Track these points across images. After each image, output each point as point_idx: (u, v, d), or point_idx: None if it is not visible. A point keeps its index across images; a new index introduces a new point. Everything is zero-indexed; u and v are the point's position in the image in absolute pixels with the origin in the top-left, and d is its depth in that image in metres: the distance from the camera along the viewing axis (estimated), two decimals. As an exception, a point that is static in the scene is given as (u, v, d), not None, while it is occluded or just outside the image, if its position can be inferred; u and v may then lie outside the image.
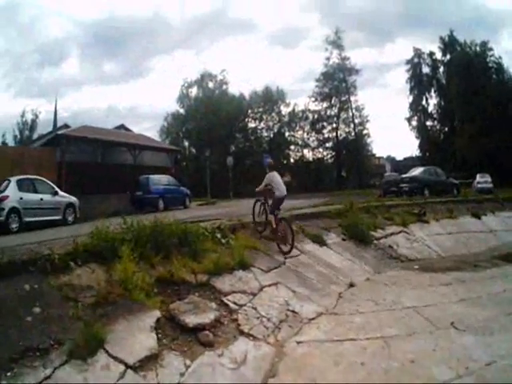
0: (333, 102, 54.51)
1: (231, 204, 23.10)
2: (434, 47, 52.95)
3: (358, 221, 11.77)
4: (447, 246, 13.12)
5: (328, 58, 53.89)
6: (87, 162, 22.43)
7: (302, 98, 74.69)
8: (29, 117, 53.76)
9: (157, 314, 5.29)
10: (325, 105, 54.73)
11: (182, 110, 55.11)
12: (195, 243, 7.25)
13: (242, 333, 5.49)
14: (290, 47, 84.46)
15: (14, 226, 13.17)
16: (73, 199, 15.93)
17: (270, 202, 9.43)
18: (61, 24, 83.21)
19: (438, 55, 52.53)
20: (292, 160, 56.82)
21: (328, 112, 54.88)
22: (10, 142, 50.74)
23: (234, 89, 69.26)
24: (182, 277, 6.31)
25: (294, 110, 55.18)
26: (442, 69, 52.82)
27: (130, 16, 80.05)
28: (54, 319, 4.55)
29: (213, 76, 55.23)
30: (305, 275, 8.09)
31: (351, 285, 8.34)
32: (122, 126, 34.55)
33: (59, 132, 23.95)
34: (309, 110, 55.07)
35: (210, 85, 55.22)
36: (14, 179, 14.18)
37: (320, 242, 10.26)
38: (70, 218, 15.35)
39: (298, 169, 53.15)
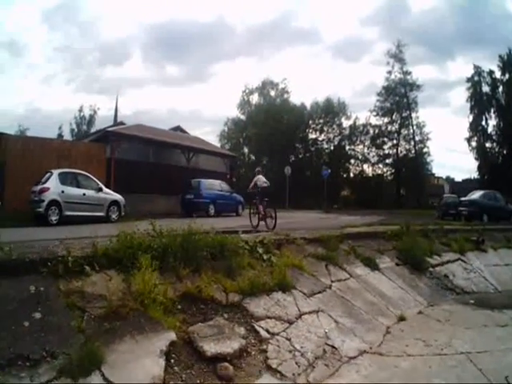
0: (394, 117, 52.84)
1: (286, 215, 22.21)
2: (494, 66, 50.53)
3: (413, 245, 10.69)
4: (504, 279, 11.74)
5: (390, 72, 52.42)
6: (138, 161, 22.35)
7: (361, 112, 73.01)
8: (87, 112, 55.07)
9: (172, 336, 4.55)
10: (386, 120, 53.20)
11: (242, 116, 55.25)
12: (231, 257, 6.46)
13: (268, 368, 4.67)
14: (352, 60, 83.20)
15: (54, 218, 13.26)
16: (118, 197, 15.76)
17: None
18: (124, 25, 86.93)
19: (498, 74, 49.99)
20: (351, 174, 55.50)
21: (389, 127, 53.26)
22: (67, 136, 52.54)
23: (295, 98, 68.66)
24: (210, 294, 5.56)
25: (355, 123, 54.13)
26: (501, 88, 50.08)
27: (193, 20, 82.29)
28: (54, 328, 4.04)
29: (274, 84, 55.32)
30: (351, 303, 7.13)
31: (401, 318, 7.36)
32: (178, 128, 34.48)
33: (109, 129, 24.04)
34: (370, 124, 53.83)
35: (272, 93, 55.31)
36: (56, 172, 14.30)
37: (372, 265, 9.25)
38: (114, 216, 15.20)
39: (357, 184, 51.85)
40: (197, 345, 4.58)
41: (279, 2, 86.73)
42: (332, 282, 7.56)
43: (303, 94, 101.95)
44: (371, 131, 53.61)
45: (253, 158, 54.09)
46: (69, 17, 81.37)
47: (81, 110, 55.53)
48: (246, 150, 55.23)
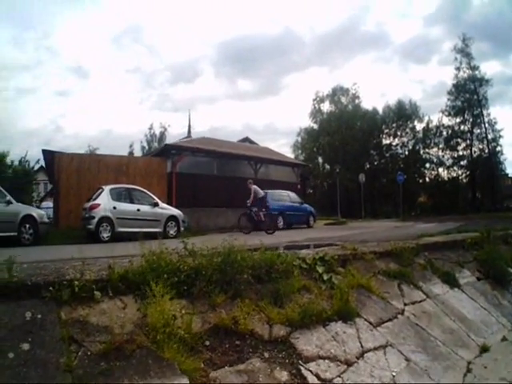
0: (465, 116, 49.22)
1: (361, 225, 20.79)
2: None
3: (495, 255, 9.11)
4: None
5: (458, 68, 49.03)
6: (201, 174, 21.79)
7: (433, 115, 69.53)
8: (158, 130, 56.14)
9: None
10: (458, 120, 49.70)
11: (314, 125, 54.08)
12: (280, 280, 5.30)
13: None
14: (421, 62, 79.47)
15: (105, 235, 12.92)
16: (175, 212, 15.14)
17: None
18: (193, 44, 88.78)
19: None
20: (427, 179, 52.54)
21: (461, 127, 49.73)
22: (137, 153, 53.53)
23: (366, 103, 66.51)
24: (249, 327, 4.48)
25: (427, 125, 51.25)
26: None
27: (262, 33, 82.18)
28: (39, 364, 3.38)
29: (344, 90, 53.66)
30: (427, 332, 5.78)
31: (484, 349, 6.03)
32: (246, 139, 34.01)
33: (168, 143, 23.80)
34: (442, 125, 50.64)
35: (343, 99, 53.72)
36: (107, 188, 13.96)
37: (451, 282, 7.77)
38: (172, 232, 14.53)
39: (433, 189, 49.01)
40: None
41: (343, 7, 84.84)
42: (405, 305, 6.25)
43: (374, 99, 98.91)
44: (444, 132, 50.67)
45: (327, 167, 52.59)
46: (137, 39, 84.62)
47: (151, 128, 56.80)
48: (320, 159, 53.89)
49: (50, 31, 79.92)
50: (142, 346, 3.82)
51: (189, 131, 35.56)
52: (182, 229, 14.84)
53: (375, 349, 4.84)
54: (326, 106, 54.39)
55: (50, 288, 4.06)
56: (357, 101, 53.46)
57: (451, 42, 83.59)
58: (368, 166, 50.26)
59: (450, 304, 6.97)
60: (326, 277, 5.95)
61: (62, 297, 4.05)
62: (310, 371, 4.12)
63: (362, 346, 4.76)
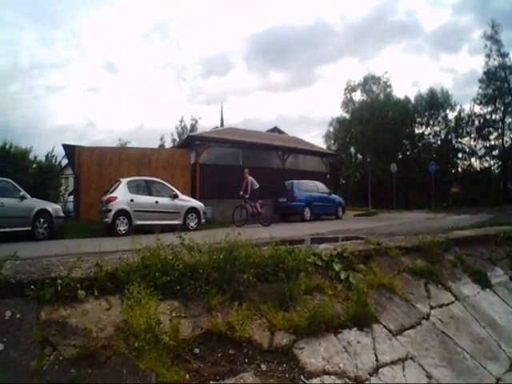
0: (497, 104, 46.92)
1: (392, 216, 19.91)
2: None
3: None
4: None
5: (488, 56, 46.57)
6: (226, 165, 21.31)
7: (465, 104, 66.77)
8: (188, 122, 55.98)
9: None
10: (489, 108, 47.42)
11: (346, 115, 52.95)
12: (289, 279, 4.68)
13: None
14: (451, 50, 76.81)
15: (122, 228, 12.72)
16: (196, 203, 14.73)
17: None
18: (224, 38, 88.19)
19: None
20: (460, 169, 50.50)
21: (493, 116, 47.43)
22: (168, 145, 53.55)
23: (398, 92, 64.70)
24: (246, 335, 3.92)
25: (459, 113, 49.14)
26: None
27: (292, 25, 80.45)
28: (10, 366, 3.19)
29: (376, 79, 52.22)
30: (454, 342, 5.04)
31: None
32: (275, 129, 33.28)
33: (192, 133, 23.39)
34: (474, 114, 48.42)
35: (374, 88, 52.39)
36: (124, 180, 13.76)
37: (482, 281, 6.92)
38: (193, 224, 14.14)
39: (465, 179, 47.12)
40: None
41: None
42: (431, 308, 5.50)
43: (406, 89, 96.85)
44: (476, 122, 48.46)
45: (360, 157, 51.44)
46: (167, 35, 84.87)
47: (182, 121, 56.67)
48: (352, 149, 52.76)
49: (78, 29, 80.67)
50: (119, 353, 3.43)
51: (221, 123, 35.19)
52: (203, 221, 14.43)
53: (392, 363, 4.19)
54: (358, 96, 53.43)
55: (32, 286, 3.81)
56: (388, 89, 52.22)
57: (480, 31, 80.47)
58: (400, 155, 48.81)
59: (480, 307, 6.22)
60: (343, 275, 5.29)
61: (44, 296, 3.78)
62: (313, 389, 3.51)
63: (377, 360, 4.12)
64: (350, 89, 53.39)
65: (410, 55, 78.17)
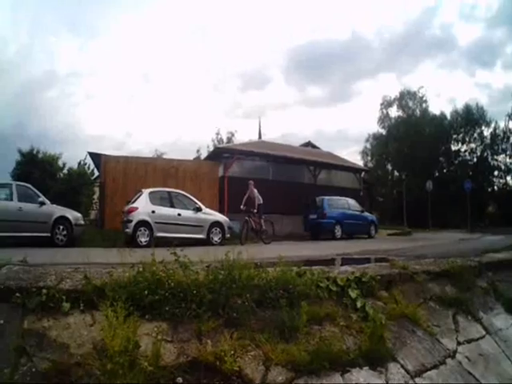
0: None
1: (426, 236, 19.04)
2: None
3: None
4: None
5: None
6: (255, 179, 20.34)
7: (500, 121, 64.23)
8: (225, 135, 56.23)
9: None
10: None
11: (382, 131, 51.80)
12: (294, 306, 4.19)
13: None
14: (486, 65, 74.09)
15: (143, 240, 12.43)
16: (220, 217, 14.27)
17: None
18: (262, 51, 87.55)
19: None
20: (496, 188, 48.00)
21: None
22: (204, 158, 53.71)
23: (434, 108, 62.95)
24: (237, 368, 3.45)
25: (495, 130, 46.84)
26: None
27: (329, 39, 79.35)
28: None
29: (411, 94, 50.78)
30: None
31: None
32: (308, 144, 32.65)
33: (220, 145, 23.12)
34: (509, 130, 45.95)
35: (410, 103, 50.85)
36: (146, 191, 13.51)
37: (517, 311, 6.22)
38: (216, 239, 13.63)
39: (502, 198, 44.46)
40: None
41: (407, 10, 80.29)
42: (458, 344, 4.87)
43: (442, 105, 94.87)
44: (511, 138, 46.09)
45: (396, 174, 50.17)
46: (205, 47, 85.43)
47: (218, 133, 56.89)
48: (389, 166, 51.55)
49: (115, 40, 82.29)
50: (91, 374, 3.20)
51: (259, 137, 34.93)
52: (228, 235, 13.95)
53: None
54: (394, 111, 52.10)
55: (18, 294, 3.77)
56: (424, 105, 50.55)
57: (513, 45, 78.10)
58: (437, 173, 46.98)
59: (512, 342, 5.52)
60: (359, 304, 4.75)
61: (29, 304, 3.74)
62: None
63: None
64: (386, 104, 52.03)
65: (446, 70, 76.34)
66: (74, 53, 75.07)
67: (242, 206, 15.46)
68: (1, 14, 61.95)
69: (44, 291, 3.80)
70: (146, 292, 3.84)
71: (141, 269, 4.16)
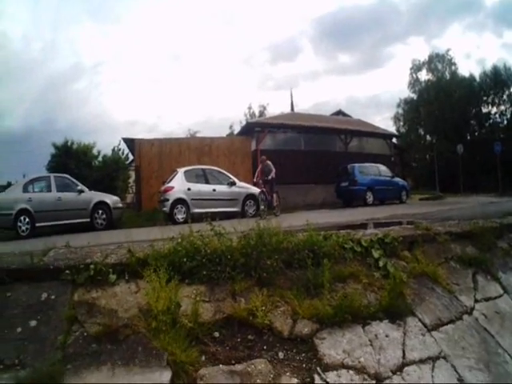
0: None
1: (456, 200, 18.92)
2: None
3: None
4: None
5: None
6: (288, 150, 20.92)
7: None
8: (257, 109, 55.91)
9: (164, 378, 3.31)
10: None
11: (413, 95, 50.58)
12: (319, 266, 4.52)
13: None
14: None
15: (180, 216, 12.89)
16: (254, 190, 14.45)
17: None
18: (290, 21, 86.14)
19: None
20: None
21: None
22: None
23: (463, 70, 60.87)
24: (267, 321, 3.90)
25: None
26: None
27: (357, 5, 77.19)
28: (39, 339, 3.66)
29: (440, 56, 49.10)
30: (495, 340, 4.61)
31: None
32: (339, 112, 32.45)
33: (251, 120, 23.26)
34: None
35: (439, 66, 49.25)
36: (181, 170, 13.97)
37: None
38: (251, 211, 13.98)
39: None
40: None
41: None
42: (476, 301, 5.08)
43: (470, 66, 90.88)
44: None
45: (428, 138, 49.16)
46: (231, 22, 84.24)
47: (250, 108, 56.63)
48: (421, 131, 50.54)
49: (140, 21, 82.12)
50: (138, 332, 3.68)
51: (292, 109, 34.82)
52: (262, 207, 14.05)
53: (421, 361, 3.88)
54: (424, 75, 50.69)
55: (67, 271, 4.21)
56: (453, 67, 48.96)
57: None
58: (468, 136, 45.74)
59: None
60: (381, 263, 5.03)
61: (78, 279, 4.18)
62: (326, 382, 3.40)
63: (403, 357, 3.85)
64: (416, 68, 50.63)
65: (473, 32, 73.11)
66: (98, 41, 75.70)
67: (254, 179, 15.44)
68: (23, 14, 62.84)
69: (92, 266, 4.25)
70: (184, 259, 4.29)
71: (179, 240, 4.58)
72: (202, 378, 3.28)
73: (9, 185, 19.42)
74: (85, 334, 3.70)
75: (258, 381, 3.29)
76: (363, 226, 7.79)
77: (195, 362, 3.43)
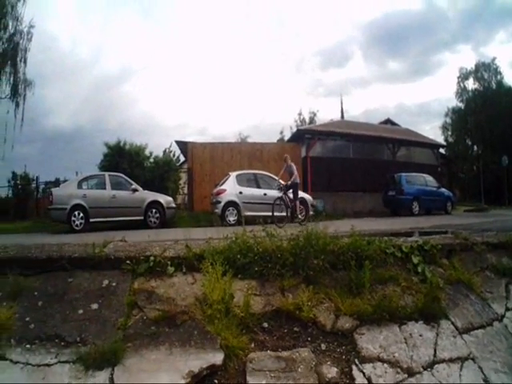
0: None
1: (501, 213, 18.68)
2: None
3: None
4: None
5: None
6: (337, 158, 21.36)
7: None
8: (307, 115, 55.92)
9: (217, 359, 3.73)
10: None
11: (461, 105, 49.49)
12: (361, 268, 4.88)
13: None
14: None
15: (232, 219, 13.52)
16: (304, 195, 14.69)
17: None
18: (340, 27, 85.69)
19: None
20: None
21: None
22: (287, 138, 53.97)
23: (508, 79, 58.84)
24: (312, 315, 4.33)
25: None
26: None
27: (405, 11, 76.22)
28: (100, 320, 4.10)
29: (486, 65, 47.77)
30: None
31: None
32: (388, 121, 32.50)
33: (301, 127, 23.59)
34: None
35: (485, 75, 47.92)
36: (233, 174, 14.55)
37: None
38: (300, 216, 14.02)
39: None
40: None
41: None
42: (507, 310, 5.27)
43: None
44: None
45: (476, 149, 47.94)
46: (283, 25, 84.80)
47: (300, 114, 56.76)
48: (468, 141, 49.38)
49: (190, 24, 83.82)
50: (194, 318, 4.11)
51: (342, 115, 35.03)
52: (311, 213, 14.23)
53: (450, 360, 4.18)
54: (471, 84, 49.48)
55: (128, 262, 4.69)
56: (499, 77, 47.47)
57: None
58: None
59: None
60: (420, 268, 5.36)
61: (138, 269, 4.64)
62: (363, 373, 3.79)
63: (435, 355, 4.16)
64: (463, 77, 49.51)
65: None
66: (149, 43, 77.54)
67: (280, 183, 13.80)
68: (72, 16, 64.97)
69: (151, 258, 4.70)
70: (238, 256, 4.76)
71: (234, 238, 5.08)
72: (252, 361, 3.72)
73: (57, 181, 20.59)
74: (144, 317, 4.14)
75: (301, 366, 3.70)
76: (407, 234, 8.03)
77: (245, 348, 3.87)
